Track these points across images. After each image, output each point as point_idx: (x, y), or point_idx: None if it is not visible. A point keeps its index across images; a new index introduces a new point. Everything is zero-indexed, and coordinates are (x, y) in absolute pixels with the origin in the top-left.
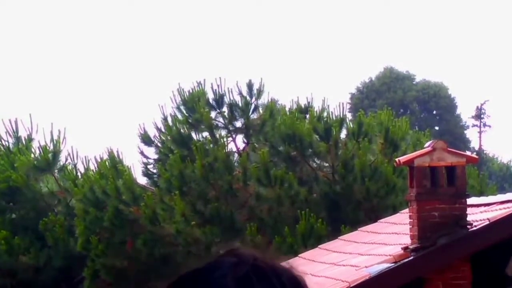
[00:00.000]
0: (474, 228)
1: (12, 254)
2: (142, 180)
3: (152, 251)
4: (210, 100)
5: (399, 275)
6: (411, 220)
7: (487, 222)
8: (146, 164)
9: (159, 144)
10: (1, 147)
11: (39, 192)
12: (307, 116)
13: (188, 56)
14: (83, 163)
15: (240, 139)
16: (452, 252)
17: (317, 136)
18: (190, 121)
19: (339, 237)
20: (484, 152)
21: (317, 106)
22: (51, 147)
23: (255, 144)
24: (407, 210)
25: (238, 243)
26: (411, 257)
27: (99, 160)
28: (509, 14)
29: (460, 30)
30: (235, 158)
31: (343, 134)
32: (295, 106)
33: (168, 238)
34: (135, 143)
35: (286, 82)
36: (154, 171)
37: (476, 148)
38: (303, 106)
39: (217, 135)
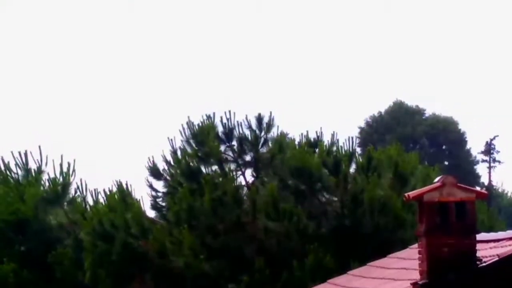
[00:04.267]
0: (484, 264)
1: (21, 287)
2: (151, 213)
3: (161, 285)
4: (220, 134)
5: None
6: (421, 255)
7: (497, 258)
8: (155, 197)
9: (168, 177)
10: (11, 179)
11: (48, 225)
12: (317, 150)
13: (198, 89)
14: (92, 196)
15: (249, 172)
16: None
17: (326, 170)
18: (199, 154)
19: (348, 272)
20: (494, 187)
21: (326, 140)
22: (61, 180)
23: (264, 178)
24: (416, 245)
25: (246, 277)
26: None
27: (108, 192)
28: None
29: (470, 65)
30: (244, 192)
31: (353, 169)
32: (304, 140)
33: (176, 272)
34: (144, 176)
35: (296, 115)
36: (163, 204)
37: (486, 184)
38: (312, 140)
39: (226, 169)
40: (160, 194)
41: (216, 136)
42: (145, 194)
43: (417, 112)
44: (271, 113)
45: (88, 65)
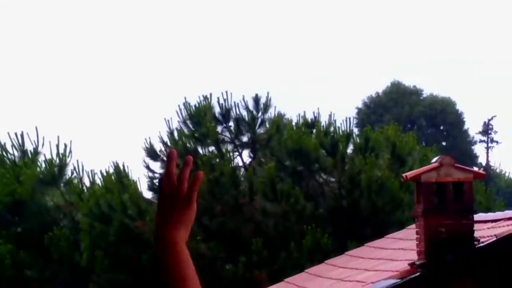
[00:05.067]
0: (481, 244)
1: (17, 268)
2: (148, 194)
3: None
4: (217, 115)
5: None
6: (418, 236)
7: (494, 238)
8: (151, 178)
9: (165, 158)
10: (7, 160)
11: (45, 206)
12: (314, 130)
13: (194, 70)
14: (89, 177)
15: (246, 153)
16: (459, 268)
17: (323, 151)
18: (196, 135)
19: (345, 253)
20: (492, 168)
21: (324, 120)
22: (57, 161)
23: (261, 159)
24: (414, 225)
25: (243, 258)
26: (418, 273)
27: (105, 174)
28: None
29: (467, 45)
30: (241, 173)
31: (350, 149)
32: (301, 121)
33: None
34: (141, 157)
35: (293, 96)
36: None
37: (484, 164)
38: (309, 120)
39: (223, 150)
40: (157, 175)
41: (213, 117)
42: (142, 175)
43: (415, 93)
44: (268, 93)
45: (84, 46)
